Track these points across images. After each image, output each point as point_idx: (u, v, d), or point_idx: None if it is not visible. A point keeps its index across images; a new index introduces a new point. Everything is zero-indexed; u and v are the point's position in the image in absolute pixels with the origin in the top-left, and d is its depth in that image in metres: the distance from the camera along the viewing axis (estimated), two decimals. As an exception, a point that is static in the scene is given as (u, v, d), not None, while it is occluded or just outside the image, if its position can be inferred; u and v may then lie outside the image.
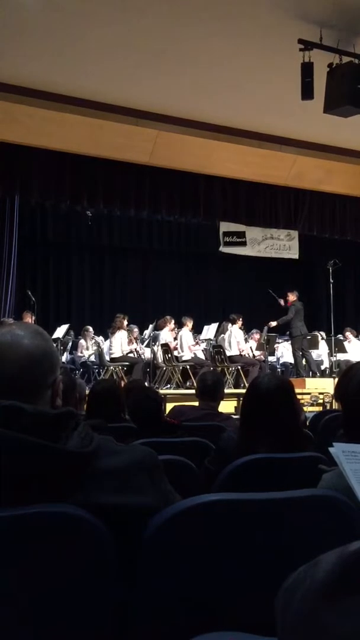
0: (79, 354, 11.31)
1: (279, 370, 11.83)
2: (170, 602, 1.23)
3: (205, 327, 11.61)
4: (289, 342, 12.27)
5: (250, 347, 11.33)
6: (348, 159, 10.48)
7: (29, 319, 10.04)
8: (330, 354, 11.05)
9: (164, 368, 10.74)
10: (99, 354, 10.88)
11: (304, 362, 11.39)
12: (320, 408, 8.34)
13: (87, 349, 11.30)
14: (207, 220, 10.98)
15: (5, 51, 7.28)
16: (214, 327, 11.40)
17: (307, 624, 0.66)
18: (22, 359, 1.27)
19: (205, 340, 11.44)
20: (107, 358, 10.42)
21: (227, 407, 7.31)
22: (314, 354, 11.56)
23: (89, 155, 9.16)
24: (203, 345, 11.33)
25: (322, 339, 11.77)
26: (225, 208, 10.58)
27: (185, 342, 10.62)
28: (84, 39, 7.00)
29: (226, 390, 4.73)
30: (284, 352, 12.51)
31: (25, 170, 9.01)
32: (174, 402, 7.54)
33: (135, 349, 10.58)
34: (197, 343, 11.01)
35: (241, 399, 5.27)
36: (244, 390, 3.15)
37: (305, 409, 7.22)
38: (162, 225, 14.06)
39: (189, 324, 10.91)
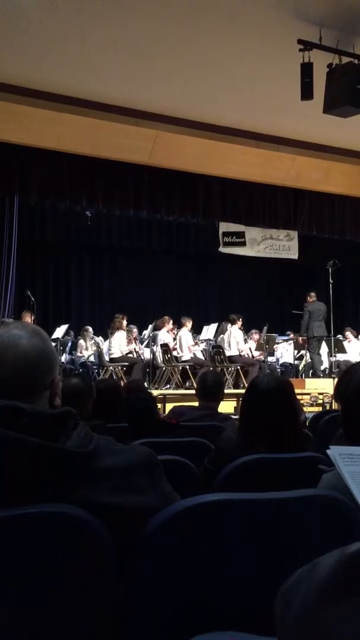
0: (79, 354, 11.30)
1: (279, 370, 11.84)
2: (169, 602, 1.23)
3: (205, 328, 11.62)
4: (289, 342, 12.31)
5: (250, 348, 11.33)
6: (347, 159, 10.48)
7: (29, 318, 10.04)
8: (330, 354, 11.06)
9: (164, 368, 10.74)
10: (99, 354, 10.88)
11: (303, 362, 11.41)
12: (320, 408, 8.34)
13: (86, 349, 11.30)
14: (207, 220, 10.98)
15: (4, 50, 7.27)
16: (213, 327, 11.40)
17: (307, 624, 0.65)
18: (20, 359, 1.27)
19: (205, 340, 11.44)
20: (107, 358, 10.41)
21: (226, 407, 7.31)
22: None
23: (88, 155, 9.16)
24: (202, 346, 11.33)
25: (322, 339, 11.77)
26: (225, 208, 10.58)
27: (185, 343, 10.62)
28: (83, 38, 6.99)
29: (225, 391, 4.73)
30: (284, 352, 12.52)
31: (24, 170, 9.01)
32: (174, 402, 7.55)
33: (135, 349, 10.58)
34: (196, 343, 11.01)
35: (241, 399, 5.27)
36: (243, 391, 3.15)
37: (305, 409, 7.22)
38: (161, 226, 14.06)
39: (188, 324, 10.91)
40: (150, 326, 11.32)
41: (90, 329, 11.52)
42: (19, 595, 1.10)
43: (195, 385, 5.54)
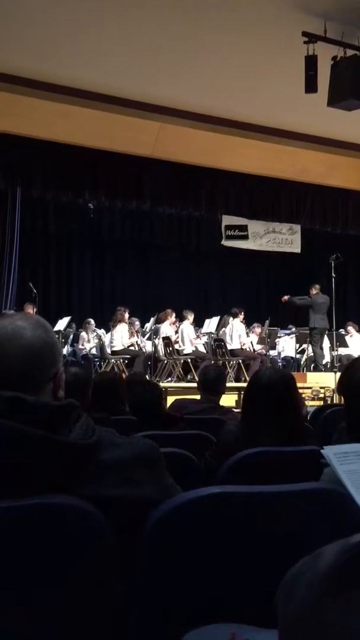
0: (80, 346, 11.30)
1: (280, 364, 11.83)
2: (171, 594, 1.23)
3: (207, 321, 11.61)
4: (290, 336, 12.30)
5: (251, 341, 11.33)
6: (351, 153, 10.43)
7: (31, 310, 10.03)
8: (332, 349, 11.05)
9: (165, 361, 10.74)
10: (100, 346, 10.88)
11: (305, 356, 11.39)
12: (322, 402, 8.34)
13: (88, 342, 11.30)
14: (209, 213, 10.96)
15: (8, 42, 7.25)
16: (215, 320, 11.40)
17: (309, 616, 0.66)
18: (23, 351, 1.26)
19: (207, 333, 11.43)
20: (109, 351, 10.42)
21: (228, 400, 7.30)
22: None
23: (90, 147, 9.13)
24: (204, 339, 11.33)
25: (324, 332, 11.75)
26: (228, 201, 10.55)
27: (187, 336, 10.62)
28: (87, 30, 6.97)
29: (227, 384, 4.73)
30: (285, 346, 12.51)
31: (26, 162, 8.99)
32: (175, 395, 7.55)
33: (137, 342, 10.59)
34: (198, 336, 11.00)
35: (242, 392, 5.27)
36: (244, 384, 3.15)
37: (306, 403, 7.22)
38: (163, 219, 14.03)
39: (190, 317, 10.90)
40: (152, 319, 11.32)
41: (92, 322, 11.52)
42: (18, 587, 1.10)
43: (196, 378, 5.55)
